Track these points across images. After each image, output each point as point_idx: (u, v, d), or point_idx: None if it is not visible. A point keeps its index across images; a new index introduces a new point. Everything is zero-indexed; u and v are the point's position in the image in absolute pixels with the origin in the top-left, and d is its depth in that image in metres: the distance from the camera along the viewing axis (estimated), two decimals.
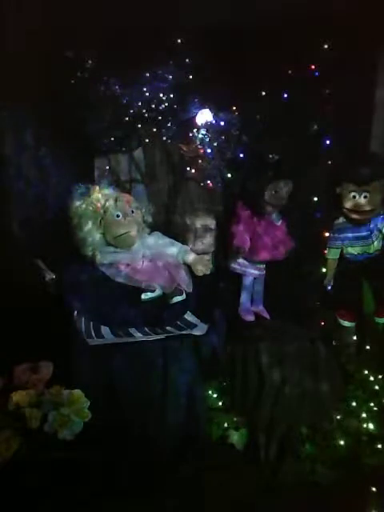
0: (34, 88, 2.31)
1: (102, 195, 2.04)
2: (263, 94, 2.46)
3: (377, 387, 2.22)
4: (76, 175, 2.45)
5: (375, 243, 2.27)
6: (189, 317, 2.03)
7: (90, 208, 2.00)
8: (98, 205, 2.01)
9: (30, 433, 1.69)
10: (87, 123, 2.38)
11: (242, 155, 2.48)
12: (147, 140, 2.53)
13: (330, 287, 2.38)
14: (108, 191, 2.08)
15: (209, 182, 2.49)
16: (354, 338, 2.41)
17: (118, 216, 2.03)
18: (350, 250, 2.32)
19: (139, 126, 2.47)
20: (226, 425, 2.16)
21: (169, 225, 2.51)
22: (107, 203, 2.03)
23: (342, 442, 2.08)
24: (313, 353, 2.16)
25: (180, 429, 2.03)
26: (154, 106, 2.41)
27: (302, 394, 2.10)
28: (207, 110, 2.43)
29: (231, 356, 2.22)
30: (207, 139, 2.42)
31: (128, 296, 2.00)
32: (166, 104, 2.42)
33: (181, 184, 2.55)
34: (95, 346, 1.98)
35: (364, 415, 2.14)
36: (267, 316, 2.39)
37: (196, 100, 2.45)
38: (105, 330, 1.97)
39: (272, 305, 2.41)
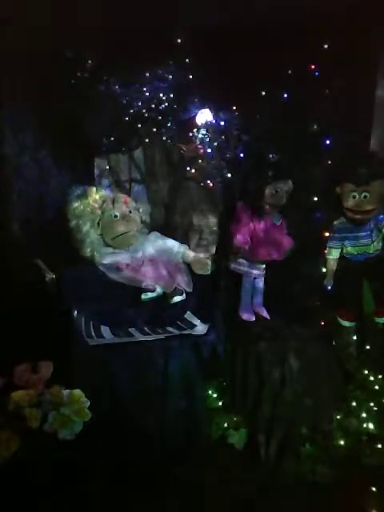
0: (34, 88, 2.31)
1: (99, 196, 2.05)
2: (263, 93, 2.46)
3: (377, 387, 2.23)
4: (76, 175, 2.46)
5: (375, 243, 2.27)
6: (189, 317, 2.03)
7: (88, 209, 2.02)
8: (96, 206, 2.02)
9: (30, 433, 1.69)
10: (87, 123, 2.38)
11: (242, 155, 2.48)
12: (147, 140, 2.53)
13: (329, 287, 2.37)
14: (105, 192, 2.09)
15: (209, 181, 2.49)
16: (354, 337, 2.41)
17: (115, 217, 2.04)
18: (349, 249, 2.32)
19: (139, 126, 2.47)
20: (225, 425, 2.16)
21: (169, 225, 2.51)
22: (105, 204, 2.04)
23: (342, 442, 2.08)
24: (312, 353, 2.16)
25: (180, 429, 2.03)
26: (154, 105, 2.41)
27: (301, 394, 2.10)
28: (207, 109, 2.43)
29: (231, 356, 2.22)
30: (207, 139, 2.42)
31: (128, 296, 2.00)
32: (166, 104, 2.42)
33: (181, 184, 2.55)
34: (95, 346, 1.98)
35: (364, 415, 2.15)
36: (267, 316, 2.38)
37: (196, 100, 2.45)
38: (105, 329, 1.97)
39: (272, 305, 2.41)
